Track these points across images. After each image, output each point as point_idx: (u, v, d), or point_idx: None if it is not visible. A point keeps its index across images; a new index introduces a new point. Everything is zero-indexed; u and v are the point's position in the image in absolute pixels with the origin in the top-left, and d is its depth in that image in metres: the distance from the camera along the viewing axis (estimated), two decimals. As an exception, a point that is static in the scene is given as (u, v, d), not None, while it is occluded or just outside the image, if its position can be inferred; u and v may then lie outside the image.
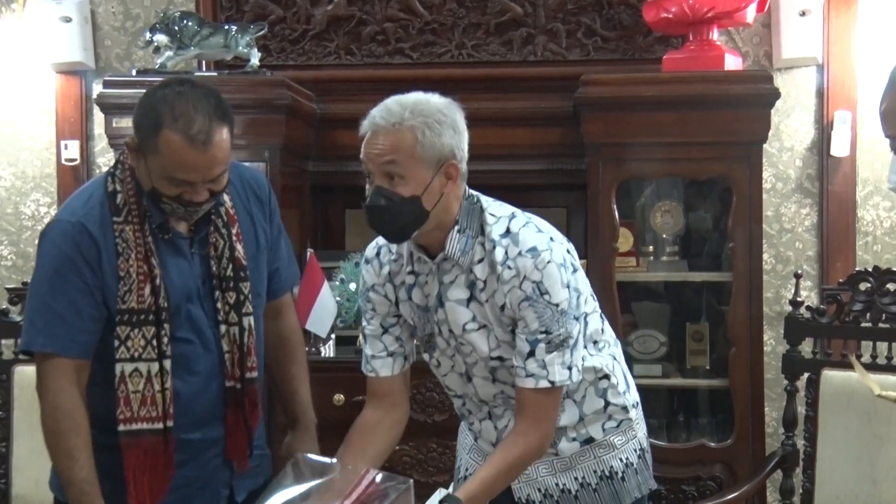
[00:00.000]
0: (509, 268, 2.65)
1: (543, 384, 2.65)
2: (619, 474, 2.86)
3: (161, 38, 4.44)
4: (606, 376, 2.84)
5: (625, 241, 4.46)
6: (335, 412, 4.17)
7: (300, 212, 4.74)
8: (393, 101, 2.65)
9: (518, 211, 2.76)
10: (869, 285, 3.87)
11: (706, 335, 4.56)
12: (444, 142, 2.63)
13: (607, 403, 2.85)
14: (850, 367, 3.82)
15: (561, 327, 2.66)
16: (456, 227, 2.71)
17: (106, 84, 4.57)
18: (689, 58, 4.44)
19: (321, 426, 4.18)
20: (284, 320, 3.17)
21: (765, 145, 4.38)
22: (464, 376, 2.81)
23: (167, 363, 2.79)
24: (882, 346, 3.82)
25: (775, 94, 4.30)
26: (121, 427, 2.78)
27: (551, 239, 2.67)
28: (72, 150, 5.00)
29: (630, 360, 4.34)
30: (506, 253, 2.67)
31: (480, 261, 2.70)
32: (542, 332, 2.65)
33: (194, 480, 2.90)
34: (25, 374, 3.90)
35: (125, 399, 2.77)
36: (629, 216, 4.57)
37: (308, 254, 4.33)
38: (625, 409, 2.89)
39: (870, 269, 3.91)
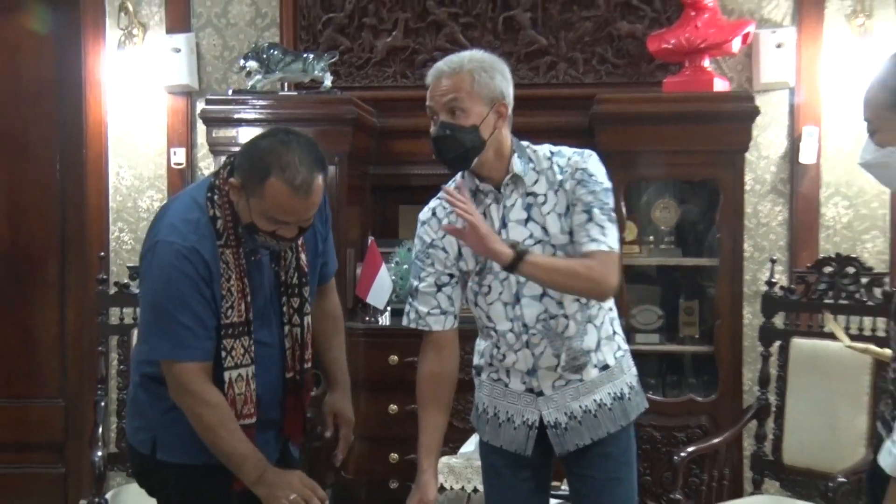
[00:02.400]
0: (563, 171, 2.73)
1: (604, 248, 2.65)
2: (627, 395, 2.86)
3: (252, 64, 4.50)
4: (612, 308, 2.86)
5: (630, 232, 4.45)
6: (390, 370, 4.24)
7: (363, 207, 4.76)
8: (454, 55, 2.74)
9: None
10: (832, 269, 3.95)
11: (696, 310, 4.56)
12: (496, 84, 2.70)
13: (615, 332, 2.87)
14: (815, 335, 3.90)
15: (608, 201, 2.72)
16: (515, 154, 2.75)
17: (207, 102, 4.62)
18: (685, 81, 4.46)
19: (379, 381, 4.31)
20: (329, 301, 3.11)
21: (746, 154, 4.41)
22: (512, 299, 2.75)
23: (252, 368, 2.74)
24: (841, 319, 3.85)
25: (755, 112, 4.32)
26: None
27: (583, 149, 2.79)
28: (179, 156, 5.02)
29: (632, 331, 4.40)
30: (558, 164, 2.75)
31: (535, 182, 2.74)
32: (596, 201, 2.69)
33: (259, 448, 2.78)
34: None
35: (232, 401, 2.70)
36: (634, 211, 4.56)
37: (369, 241, 4.38)
38: (625, 340, 2.93)
39: (833, 257, 3.98)
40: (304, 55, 4.57)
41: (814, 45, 4.69)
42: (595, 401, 2.81)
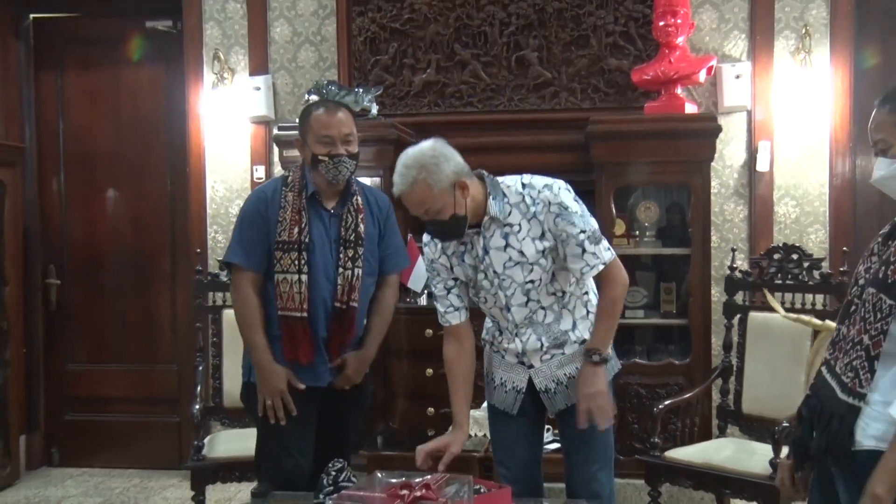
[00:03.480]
0: (536, 203, 2.66)
1: (601, 267, 2.68)
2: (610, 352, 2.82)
3: (314, 98, 4.40)
4: (585, 293, 2.83)
5: (620, 228, 4.44)
6: (427, 341, 4.23)
7: (403, 211, 4.63)
8: (402, 166, 2.62)
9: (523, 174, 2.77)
10: (780, 256, 3.91)
11: (674, 290, 4.54)
12: (446, 172, 2.60)
13: (588, 311, 2.82)
14: (769, 310, 3.86)
15: (589, 224, 2.68)
16: (491, 198, 2.68)
17: (280, 128, 4.65)
18: (662, 105, 4.43)
19: (417, 350, 4.32)
20: (385, 289, 3.25)
21: (712, 163, 4.37)
22: (503, 306, 2.75)
23: (304, 277, 3.00)
24: (788, 295, 3.85)
25: (718, 130, 4.28)
26: (279, 312, 3.03)
27: (553, 179, 2.72)
28: (259, 172, 5.04)
29: (623, 308, 4.42)
30: (530, 196, 2.67)
31: (510, 213, 2.68)
32: (581, 232, 2.65)
33: (318, 360, 3.07)
34: (229, 315, 3.88)
35: (279, 296, 3.01)
36: (623, 210, 4.53)
37: (409, 238, 4.32)
38: (590, 297, 2.86)
39: (780, 246, 3.95)
40: (356, 89, 4.58)
41: (766, 75, 4.66)
42: (577, 368, 2.78)
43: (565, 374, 2.81)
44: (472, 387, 2.90)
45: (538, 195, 2.68)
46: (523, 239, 2.69)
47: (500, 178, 2.75)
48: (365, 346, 3.19)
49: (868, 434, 2.00)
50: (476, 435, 3.69)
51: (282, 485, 2.97)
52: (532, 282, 2.71)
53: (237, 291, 3.08)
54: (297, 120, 3.17)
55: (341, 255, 3.05)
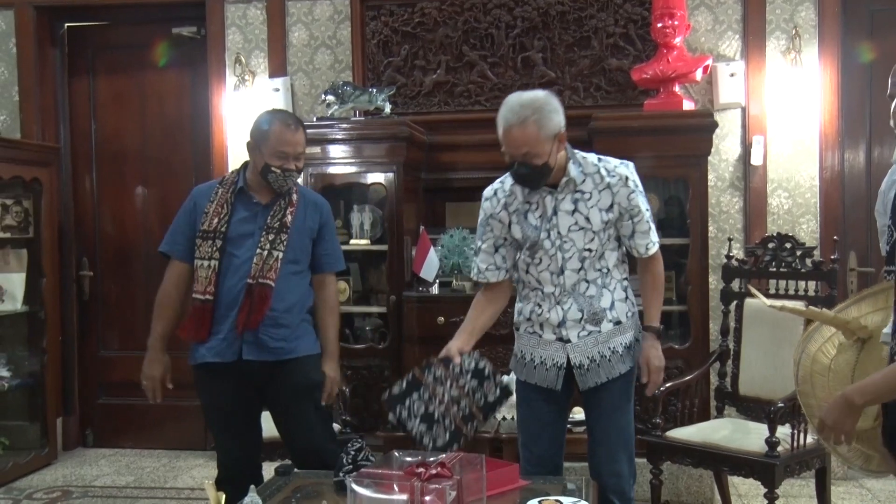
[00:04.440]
0: (613, 175, 2.72)
1: (656, 247, 2.84)
2: (632, 346, 2.84)
3: (330, 98, 4.50)
4: (625, 279, 2.87)
5: None
6: (438, 328, 4.17)
7: (416, 204, 4.72)
8: (516, 104, 2.62)
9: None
10: (774, 245, 3.87)
11: (673, 278, 4.49)
12: (555, 122, 2.63)
13: (626, 296, 2.85)
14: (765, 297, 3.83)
15: (649, 209, 2.79)
16: (570, 161, 2.71)
17: (298, 126, 4.67)
18: (661, 103, 4.40)
19: (429, 336, 4.27)
20: (327, 291, 3.23)
21: (709, 158, 4.32)
22: (557, 269, 2.74)
23: (214, 262, 3.00)
24: (782, 283, 3.83)
25: (715, 125, 4.24)
26: (193, 295, 3.05)
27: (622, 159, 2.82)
28: None
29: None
30: (605, 169, 2.73)
31: (583, 182, 2.71)
32: (647, 210, 2.76)
33: (222, 337, 3.01)
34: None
35: (198, 280, 3.03)
36: None
37: (421, 230, 4.36)
38: (633, 304, 2.88)
39: (774, 236, 3.91)
40: (370, 90, 4.58)
41: (759, 74, 4.64)
42: (610, 348, 2.80)
43: (599, 353, 2.79)
44: (487, 324, 2.90)
45: (614, 169, 2.74)
46: (591, 207, 2.71)
47: (577, 151, 2.79)
48: (325, 348, 3.20)
49: None
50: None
51: (225, 468, 3.12)
52: (589, 250, 2.73)
53: (167, 274, 3.15)
54: (253, 124, 3.12)
55: (262, 240, 3.04)
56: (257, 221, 3.06)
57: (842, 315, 2.31)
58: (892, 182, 2.52)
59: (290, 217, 3.08)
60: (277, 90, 4.96)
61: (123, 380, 5.38)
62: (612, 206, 2.71)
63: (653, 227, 2.80)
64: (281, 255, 3.04)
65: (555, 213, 2.72)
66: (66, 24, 5.41)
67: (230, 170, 4.93)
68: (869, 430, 2.17)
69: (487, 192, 2.86)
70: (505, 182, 2.83)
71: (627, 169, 2.74)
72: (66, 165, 5.41)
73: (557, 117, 2.64)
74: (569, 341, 2.78)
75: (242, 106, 5.04)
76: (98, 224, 5.47)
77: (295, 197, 3.12)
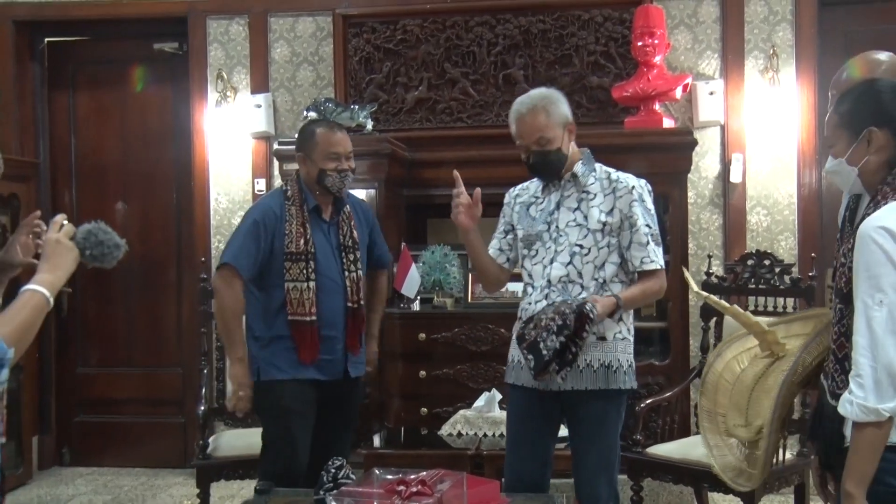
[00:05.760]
0: (621, 182, 2.77)
1: (657, 266, 2.76)
2: (614, 369, 2.75)
3: (312, 115, 4.44)
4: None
5: None
6: (420, 344, 4.17)
7: (398, 220, 4.73)
8: (524, 97, 2.80)
9: None
10: (753, 262, 3.90)
11: None
12: (563, 110, 2.78)
13: (620, 318, 2.78)
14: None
15: (656, 225, 2.78)
16: (581, 161, 2.82)
17: (280, 143, 4.63)
18: (641, 120, 4.42)
19: (411, 353, 4.27)
20: (379, 282, 3.53)
21: (689, 175, 4.37)
22: (548, 261, 2.78)
23: (312, 284, 3.10)
24: (761, 300, 3.85)
25: (694, 143, 4.29)
26: (289, 317, 3.11)
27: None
28: (260, 184, 5.00)
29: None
30: (617, 178, 2.79)
31: (591, 182, 2.79)
32: (647, 226, 2.75)
33: (333, 357, 3.17)
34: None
35: (290, 301, 3.10)
36: None
37: (402, 246, 4.32)
38: (630, 332, 2.84)
39: (753, 253, 3.95)
40: (352, 106, 4.56)
41: (737, 92, 4.68)
42: (585, 360, 2.73)
43: (583, 360, 2.73)
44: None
45: (626, 180, 2.80)
46: (593, 207, 2.77)
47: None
48: (372, 343, 3.47)
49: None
50: (466, 434, 3.66)
51: (282, 478, 2.95)
52: (580, 246, 2.75)
53: (230, 287, 3.13)
54: (297, 137, 3.24)
55: (344, 260, 3.20)
56: (329, 239, 3.21)
57: (765, 326, 2.31)
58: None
59: (356, 233, 3.26)
60: (259, 106, 4.95)
61: (101, 397, 5.37)
62: (613, 209, 2.75)
63: (654, 245, 2.75)
64: (361, 272, 3.25)
65: (557, 207, 2.81)
66: (47, 39, 5.38)
67: (211, 184, 5.06)
68: (753, 441, 2.24)
69: (509, 193, 3.01)
70: (530, 183, 2.96)
71: (639, 183, 2.79)
72: (46, 180, 5.37)
73: (564, 108, 2.78)
74: None
75: (224, 122, 5.03)
76: (77, 240, 5.41)
77: (349, 209, 3.28)
